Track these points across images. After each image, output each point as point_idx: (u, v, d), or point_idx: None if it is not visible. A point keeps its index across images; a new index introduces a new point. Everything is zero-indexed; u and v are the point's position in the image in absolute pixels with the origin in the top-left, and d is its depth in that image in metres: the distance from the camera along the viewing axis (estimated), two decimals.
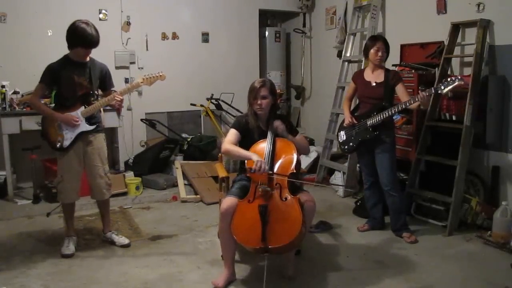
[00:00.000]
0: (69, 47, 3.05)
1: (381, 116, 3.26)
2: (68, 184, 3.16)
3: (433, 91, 3.05)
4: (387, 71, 3.42)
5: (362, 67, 4.70)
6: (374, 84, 3.40)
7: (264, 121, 2.92)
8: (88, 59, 3.13)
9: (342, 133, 3.60)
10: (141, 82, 3.11)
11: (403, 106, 3.18)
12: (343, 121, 3.62)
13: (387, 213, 3.61)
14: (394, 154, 3.46)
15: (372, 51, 3.37)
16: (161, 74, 3.14)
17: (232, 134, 2.89)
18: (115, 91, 3.17)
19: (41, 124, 3.21)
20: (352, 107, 3.67)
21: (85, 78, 3.10)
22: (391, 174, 3.40)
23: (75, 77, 3.06)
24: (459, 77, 2.96)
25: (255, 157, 2.65)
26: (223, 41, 5.94)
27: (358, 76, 3.54)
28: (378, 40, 3.39)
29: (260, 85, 2.83)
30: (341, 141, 3.61)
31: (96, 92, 3.19)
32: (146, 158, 5.01)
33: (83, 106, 3.10)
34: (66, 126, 3.08)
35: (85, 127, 3.11)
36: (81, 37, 2.97)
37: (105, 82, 3.23)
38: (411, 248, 3.27)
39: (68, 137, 3.09)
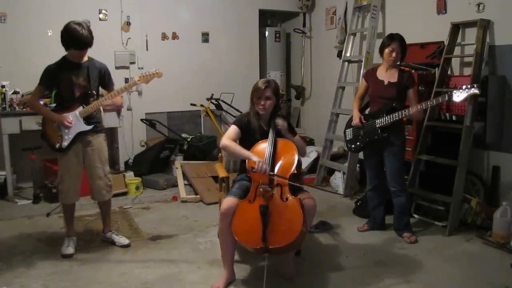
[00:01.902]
0: (65, 48, 3.05)
1: (390, 118, 3.20)
2: (68, 184, 3.16)
3: (446, 98, 2.99)
4: (401, 71, 3.36)
5: (362, 67, 4.73)
6: (386, 83, 3.33)
7: (266, 121, 2.92)
8: (86, 59, 3.13)
9: (349, 131, 3.54)
10: (138, 80, 3.11)
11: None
12: (351, 118, 3.55)
13: (388, 213, 3.61)
14: (403, 156, 3.41)
15: (386, 50, 3.30)
16: (157, 71, 3.12)
17: (233, 130, 2.87)
18: None
19: (41, 125, 3.22)
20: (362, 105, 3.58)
21: (83, 78, 3.09)
22: (400, 176, 3.38)
23: (73, 77, 3.06)
24: (475, 85, 2.87)
25: (255, 158, 2.64)
26: (223, 41, 5.94)
27: (371, 74, 3.46)
28: (394, 40, 3.27)
29: (264, 85, 2.82)
30: (347, 139, 3.56)
31: (94, 92, 3.18)
32: (146, 158, 5.01)
33: (81, 106, 3.11)
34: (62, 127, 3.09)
35: (83, 127, 3.11)
36: (72, 38, 2.96)
37: (105, 82, 3.23)
38: (411, 248, 3.27)
39: (67, 137, 3.09)
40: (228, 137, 2.82)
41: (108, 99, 3.10)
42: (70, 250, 3.15)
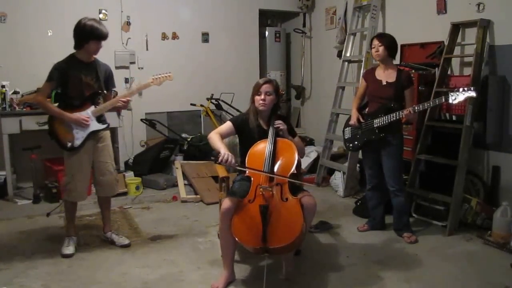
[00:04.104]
0: (79, 44, 3.03)
1: (388, 118, 3.21)
2: (79, 183, 3.15)
3: (443, 100, 3.01)
4: (399, 71, 3.37)
5: (362, 67, 4.73)
6: (384, 83, 3.34)
7: (265, 120, 2.92)
8: (93, 59, 3.14)
9: (348, 130, 3.56)
10: (151, 82, 3.17)
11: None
12: (349, 117, 3.57)
13: (388, 213, 3.61)
14: (401, 156, 3.41)
15: (372, 49, 3.37)
16: (169, 74, 3.22)
17: (226, 125, 2.93)
18: (115, 91, 3.19)
19: (48, 124, 3.16)
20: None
21: (92, 77, 3.10)
22: (398, 175, 3.39)
23: (83, 76, 3.07)
24: (472, 88, 2.86)
25: (222, 151, 2.65)
26: (223, 41, 5.93)
27: (370, 74, 3.48)
28: (376, 37, 3.37)
29: (265, 81, 2.88)
30: (346, 138, 3.58)
31: (104, 91, 3.20)
32: (146, 158, 5.01)
33: (93, 106, 3.12)
34: (77, 126, 3.08)
35: (96, 126, 3.14)
36: (93, 29, 2.98)
37: (108, 83, 3.24)
38: (411, 248, 3.27)
39: (79, 136, 3.08)
40: (217, 130, 2.89)
41: (123, 98, 3.12)
42: (70, 250, 3.15)
